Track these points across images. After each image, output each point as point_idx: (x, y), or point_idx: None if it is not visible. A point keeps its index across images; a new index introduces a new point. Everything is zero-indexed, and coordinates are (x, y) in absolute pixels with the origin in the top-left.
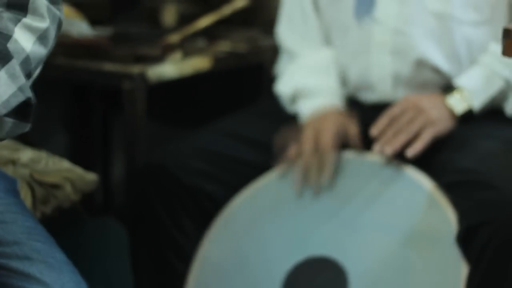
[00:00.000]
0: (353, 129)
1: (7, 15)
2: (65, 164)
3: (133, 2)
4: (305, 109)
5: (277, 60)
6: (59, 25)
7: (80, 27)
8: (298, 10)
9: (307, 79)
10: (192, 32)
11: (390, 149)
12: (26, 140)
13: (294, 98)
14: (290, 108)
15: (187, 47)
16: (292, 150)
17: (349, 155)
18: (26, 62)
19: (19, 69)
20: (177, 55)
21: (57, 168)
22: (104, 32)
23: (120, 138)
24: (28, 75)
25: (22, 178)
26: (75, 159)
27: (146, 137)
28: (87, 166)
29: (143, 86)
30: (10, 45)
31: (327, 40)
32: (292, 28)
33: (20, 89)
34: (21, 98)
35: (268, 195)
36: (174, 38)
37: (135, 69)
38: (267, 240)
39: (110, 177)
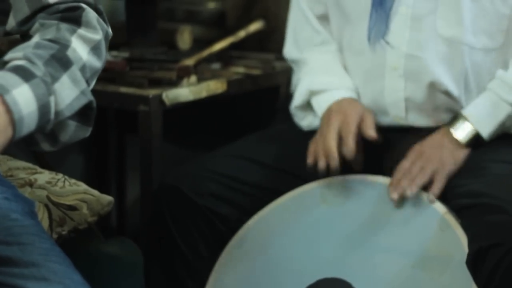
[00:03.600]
0: (370, 118)
1: (64, 26)
2: (82, 186)
3: (149, 26)
4: (322, 103)
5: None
6: (107, 38)
7: None
8: (306, 27)
9: (319, 79)
10: (207, 55)
11: (410, 191)
12: (43, 162)
13: (308, 103)
14: (303, 122)
15: (202, 70)
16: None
17: (361, 178)
18: (83, 70)
19: (80, 74)
20: (192, 78)
21: (74, 190)
22: (120, 55)
23: (134, 160)
24: (86, 83)
25: (39, 200)
26: (91, 181)
27: (161, 159)
28: (102, 188)
29: (158, 109)
30: (69, 53)
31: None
32: (298, 43)
33: (83, 92)
34: (84, 101)
35: (282, 217)
36: (189, 61)
37: (151, 92)
38: (280, 261)
39: (125, 198)
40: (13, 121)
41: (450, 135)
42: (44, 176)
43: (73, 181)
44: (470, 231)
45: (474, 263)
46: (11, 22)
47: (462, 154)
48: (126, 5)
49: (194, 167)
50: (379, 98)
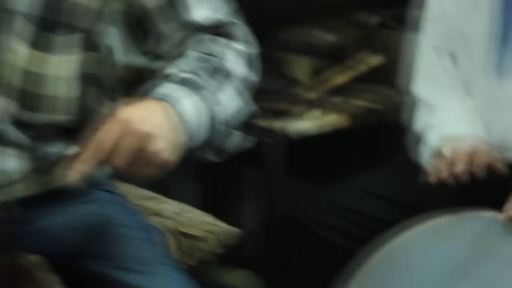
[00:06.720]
0: (499, 161)
1: (219, 39)
2: (209, 217)
3: (267, 57)
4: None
5: (413, 117)
6: (257, 53)
7: None
8: (439, 66)
9: (455, 128)
10: (329, 88)
11: None
12: (162, 190)
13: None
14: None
15: (324, 103)
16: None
17: (486, 214)
18: (242, 82)
19: (242, 86)
20: (316, 111)
21: (202, 221)
22: None
23: (249, 191)
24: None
25: (168, 230)
26: (205, 209)
27: (283, 191)
28: (217, 218)
29: (282, 141)
30: (228, 66)
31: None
32: (431, 83)
33: (246, 102)
34: (247, 110)
35: (405, 253)
36: (312, 94)
37: (275, 124)
38: None
39: (241, 228)
40: (187, 131)
41: None
42: (170, 206)
43: (199, 212)
44: None
45: None
46: (164, 48)
47: None
48: None
49: (317, 200)
50: (508, 133)
